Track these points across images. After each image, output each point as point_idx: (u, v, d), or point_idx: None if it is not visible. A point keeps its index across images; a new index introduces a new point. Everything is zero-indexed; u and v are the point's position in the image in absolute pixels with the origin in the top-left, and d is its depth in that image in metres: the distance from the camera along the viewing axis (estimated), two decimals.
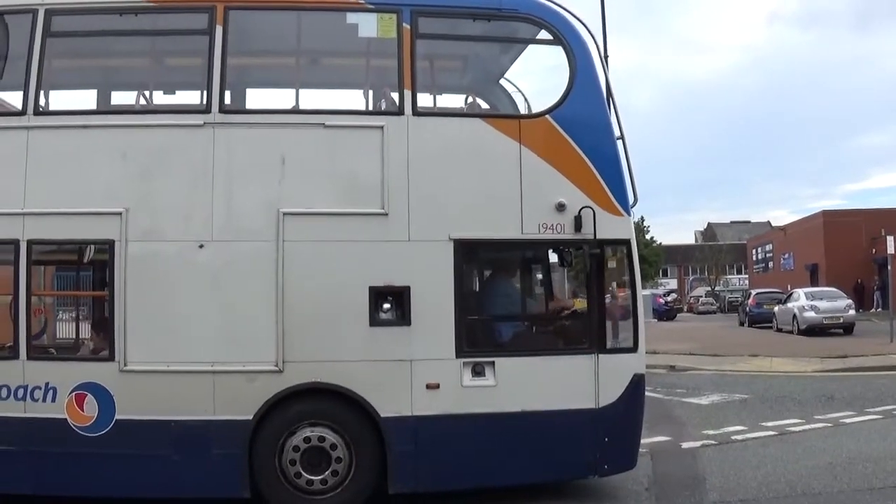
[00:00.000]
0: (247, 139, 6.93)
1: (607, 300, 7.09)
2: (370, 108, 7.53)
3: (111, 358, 6.73)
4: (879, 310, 37.23)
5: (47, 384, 6.69)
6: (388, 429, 6.75)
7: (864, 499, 7.20)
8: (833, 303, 27.65)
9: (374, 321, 6.84)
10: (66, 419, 6.68)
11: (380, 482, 6.84)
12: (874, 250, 38.51)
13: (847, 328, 27.04)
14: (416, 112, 6.98)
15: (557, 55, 7.17)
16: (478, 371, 6.87)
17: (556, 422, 6.87)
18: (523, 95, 7.91)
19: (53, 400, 6.69)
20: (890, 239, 22.41)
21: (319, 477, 6.77)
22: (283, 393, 6.75)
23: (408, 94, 6.96)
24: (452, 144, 7.03)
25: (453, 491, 6.94)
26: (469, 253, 7.03)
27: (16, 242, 6.73)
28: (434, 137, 6.99)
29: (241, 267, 6.83)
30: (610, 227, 7.00)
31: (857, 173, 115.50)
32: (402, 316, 6.85)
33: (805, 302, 27.89)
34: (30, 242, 6.75)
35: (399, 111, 6.97)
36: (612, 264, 7.15)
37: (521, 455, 6.87)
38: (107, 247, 6.80)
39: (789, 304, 29.17)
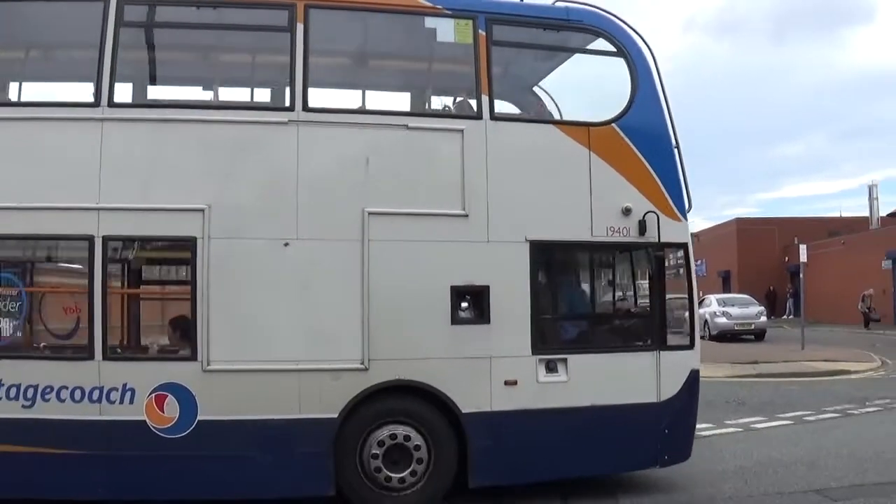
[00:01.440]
0: (331, 138, 6.94)
1: (668, 300, 7.54)
2: (445, 111, 7.65)
3: (193, 358, 6.58)
4: (791, 317, 38.32)
5: (125, 385, 6.47)
6: (470, 424, 6.93)
7: (774, 503, 7.30)
8: (745, 309, 28.16)
9: (455, 320, 7.01)
10: (145, 421, 6.48)
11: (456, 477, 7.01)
12: (787, 258, 39.05)
13: (758, 335, 27.63)
14: (494, 117, 7.19)
15: (618, 66, 7.56)
16: (551, 367, 7.15)
17: (622, 415, 7.25)
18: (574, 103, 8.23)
19: (132, 402, 6.48)
20: (803, 247, 23.04)
21: (400, 475, 6.86)
22: (369, 390, 6.81)
23: (485, 99, 7.15)
24: (527, 149, 7.28)
25: (529, 484, 7.20)
26: (543, 254, 7.30)
27: (90, 238, 6.47)
28: (510, 142, 7.22)
29: (327, 266, 6.83)
30: (670, 231, 7.45)
31: (772, 182, 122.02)
32: (482, 315, 7.05)
33: (717, 308, 28.22)
34: (105, 238, 6.50)
35: (478, 115, 7.16)
36: (670, 266, 7.60)
37: (592, 447, 7.20)
38: (189, 244, 6.64)
39: (701, 310, 29.74)
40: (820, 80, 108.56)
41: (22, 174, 6.49)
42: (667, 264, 7.54)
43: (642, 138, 7.48)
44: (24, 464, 6.31)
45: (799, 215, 51.07)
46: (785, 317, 39.87)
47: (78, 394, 6.41)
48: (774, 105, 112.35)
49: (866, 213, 40.77)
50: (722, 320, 27.54)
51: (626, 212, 7.35)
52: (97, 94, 6.59)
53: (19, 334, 6.69)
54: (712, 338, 26.92)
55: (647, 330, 7.50)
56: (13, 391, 6.35)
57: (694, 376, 7.52)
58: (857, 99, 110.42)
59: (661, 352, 7.41)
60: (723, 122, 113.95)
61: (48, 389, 6.38)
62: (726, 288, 42.99)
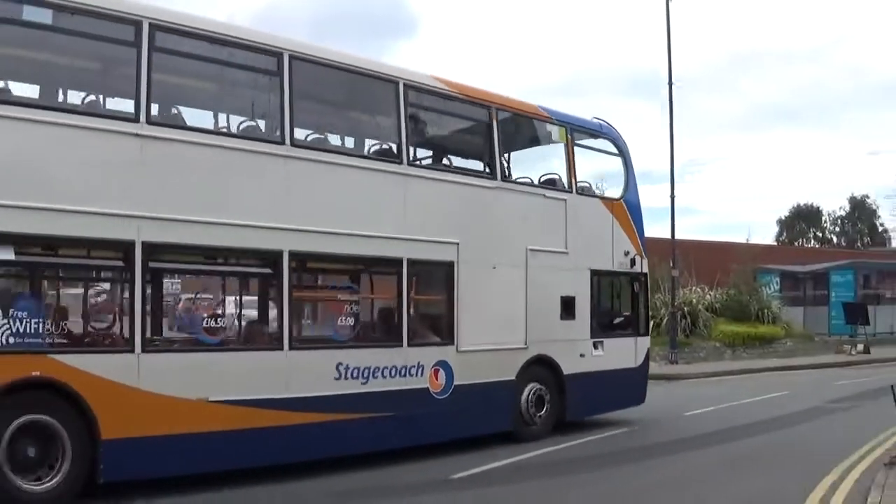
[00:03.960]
0: (515, 202, 10.70)
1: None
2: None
3: (452, 343, 9.80)
4: None
5: (419, 363, 9.45)
6: (568, 381, 11.25)
7: None
8: None
9: (562, 317, 11.28)
10: (427, 388, 9.53)
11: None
12: None
13: None
14: (577, 192, 11.63)
15: (617, 161, 12.57)
16: (597, 346, 11.83)
17: (626, 374, 12.24)
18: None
19: (421, 374, 9.48)
20: None
21: (539, 413, 10.89)
22: (528, 362, 10.73)
23: (573, 180, 11.56)
24: (587, 213, 11.81)
25: (586, 420, 11.77)
26: (594, 277, 11.91)
27: (400, 261, 9.29)
28: (582, 207, 11.70)
29: (510, 282, 10.55)
30: (642, 266, 12.71)
31: None
32: (572, 314, 11.43)
33: None
34: (409, 261, 9.37)
35: (569, 190, 11.52)
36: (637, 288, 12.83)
37: (615, 394, 12.05)
38: (449, 266, 9.81)
39: None
40: None
41: (339, 215, 8.88)
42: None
43: (631, 208, 12.59)
44: (352, 428, 8.79)
45: None
46: None
47: (393, 370, 9.20)
48: None
49: None
50: None
51: (626, 254, 12.39)
52: (400, 157, 9.40)
53: (358, 331, 9.10)
54: None
55: (634, 324, 12.66)
56: (354, 372, 8.87)
57: (648, 351, 12.90)
58: None
59: (638, 338, 12.64)
60: None
61: (375, 370, 9.04)
62: None
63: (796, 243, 73.13)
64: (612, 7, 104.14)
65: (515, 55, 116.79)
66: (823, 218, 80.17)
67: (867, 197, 79.11)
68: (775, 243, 63.41)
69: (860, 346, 26.73)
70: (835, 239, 77.92)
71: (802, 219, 79.79)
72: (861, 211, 79.72)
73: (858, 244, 72.48)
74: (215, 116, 8.97)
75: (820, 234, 79.77)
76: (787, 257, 39.42)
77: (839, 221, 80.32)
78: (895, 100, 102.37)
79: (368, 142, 10.07)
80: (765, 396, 15.88)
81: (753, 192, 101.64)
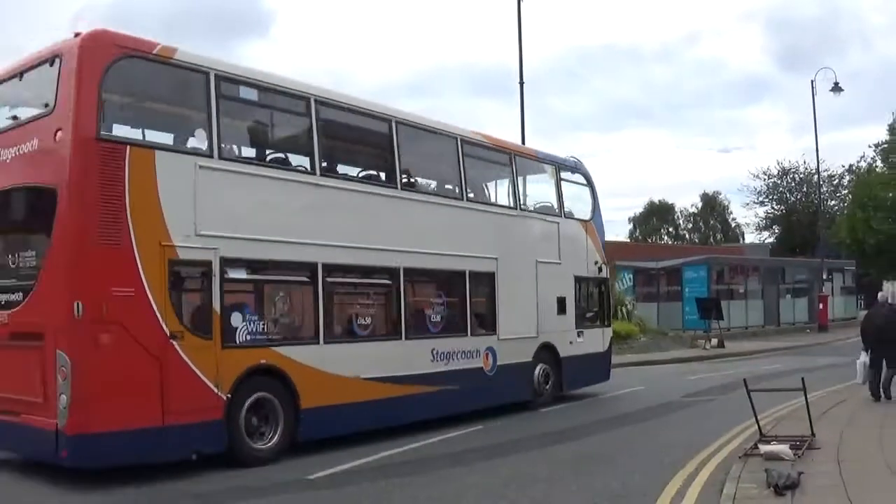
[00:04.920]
0: (532, 225, 14.09)
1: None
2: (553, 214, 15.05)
3: (495, 333, 13.03)
4: None
5: (476, 348, 12.61)
6: (564, 362, 14.72)
7: None
8: None
9: (558, 312, 14.74)
10: (482, 367, 12.71)
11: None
12: None
13: None
14: (565, 216, 15.13)
15: (585, 191, 16.20)
16: (579, 335, 15.38)
17: (597, 357, 15.90)
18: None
19: (478, 357, 12.65)
20: None
21: (546, 386, 14.28)
22: (539, 348, 14.11)
23: (561, 206, 15.05)
24: (571, 232, 15.35)
25: (576, 393, 15.24)
26: (577, 282, 15.43)
27: (463, 273, 12.44)
28: (568, 228, 15.21)
29: (526, 286, 13.88)
30: (605, 272, 16.40)
31: None
32: (564, 310, 14.93)
33: None
34: (469, 273, 12.53)
35: (560, 215, 15.01)
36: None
37: (590, 373, 15.66)
38: (491, 276, 13.03)
39: None
40: None
41: (432, 240, 11.92)
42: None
43: (597, 227, 16.26)
44: (437, 398, 11.83)
45: None
46: None
47: (465, 354, 12.32)
48: None
49: None
50: None
51: (595, 263, 16.05)
52: (462, 195, 12.54)
53: (442, 325, 12.11)
54: None
55: (601, 317, 16.31)
56: (441, 356, 11.93)
57: (611, 339, 16.62)
58: None
59: (604, 328, 16.31)
60: None
61: (452, 354, 12.13)
62: None
63: (650, 240, 76.83)
64: (464, 5, 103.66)
65: (367, 53, 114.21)
66: (676, 215, 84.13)
67: (719, 193, 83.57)
68: (628, 241, 66.18)
69: (714, 341, 27.13)
70: (688, 235, 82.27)
71: (656, 216, 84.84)
72: (713, 207, 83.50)
73: (711, 240, 76.21)
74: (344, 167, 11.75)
75: (673, 231, 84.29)
76: (640, 254, 40.10)
77: (692, 218, 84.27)
78: (746, 98, 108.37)
79: (432, 183, 13.11)
80: (620, 392, 16.07)
81: (607, 190, 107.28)
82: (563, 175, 15.46)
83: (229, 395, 8.94)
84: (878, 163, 59.72)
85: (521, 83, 23.36)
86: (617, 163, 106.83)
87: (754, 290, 36.85)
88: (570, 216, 15.47)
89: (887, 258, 54.83)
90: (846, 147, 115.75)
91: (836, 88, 35.98)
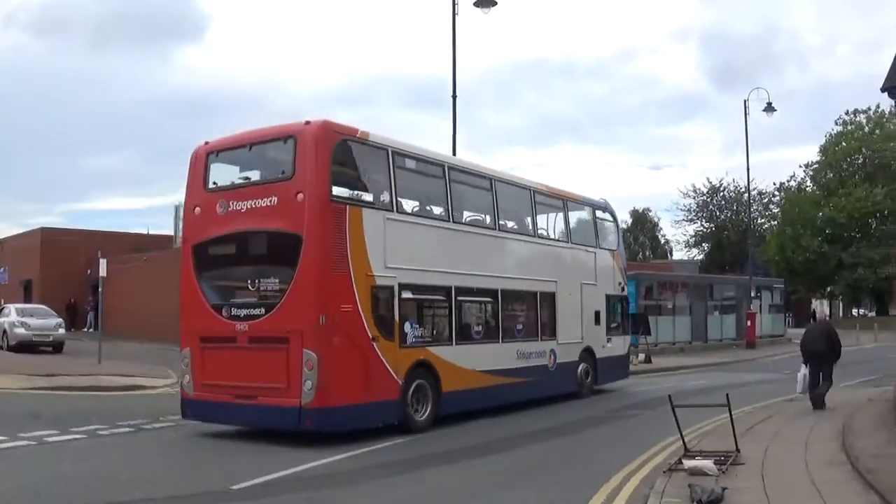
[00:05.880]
0: (576, 254, 17.97)
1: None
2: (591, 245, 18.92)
3: (555, 338, 16.87)
4: (92, 330, 37.28)
5: (543, 350, 16.46)
6: (599, 361, 18.61)
7: None
8: (44, 320, 28.50)
9: (595, 322, 18.64)
10: (546, 364, 16.52)
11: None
12: (90, 271, 36.41)
13: (57, 346, 27.93)
14: (600, 247, 19.05)
15: (612, 226, 20.17)
16: (609, 341, 19.28)
17: (620, 358, 19.89)
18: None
19: (544, 356, 16.45)
20: (103, 261, 23.23)
21: (587, 380, 18.14)
22: (583, 351, 17.98)
23: (597, 241, 18.96)
24: (603, 259, 19.25)
25: (605, 388, 19.13)
26: (608, 299, 19.34)
27: (534, 294, 16.25)
28: (601, 256, 19.13)
29: (574, 302, 17.72)
30: (625, 290, 20.37)
31: (81, 193, 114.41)
32: (598, 321, 18.83)
33: (16, 318, 28.18)
34: (540, 293, 16.34)
35: (596, 246, 18.92)
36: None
37: (617, 370, 19.62)
38: (553, 295, 16.85)
39: (1, 320, 28.87)
40: (142, 94, 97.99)
41: (519, 268, 15.69)
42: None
43: (620, 255, 20.25)
44: (519, 387, 15.52)
45: (106, 229, 51.84)
46: (86, 330, 39.54)
47: (537, 354, 16.14)
48: (94, 114, 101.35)
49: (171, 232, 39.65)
50: (21, 331, 27.68)
51: (619, 283, 20.01)
52: (534, 234, 16.36)
53: (522, 331, 15.88)
54: (10, 348, 27.45)
55: (623, 327, 20.25)
56: (522, 355, 15.70)
57: (630, 345, 20.62)
58: (175, 118, 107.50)
59: (625, 336, 20.30)
60: (34, 127, 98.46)
61: (529, 353, 15.91)
62: (27, 298, 41.54)
63: None
64: (400, 16, 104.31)
65: (303, 61, 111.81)
66: None
67: (649, 210, 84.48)
68: None
69: (641, 356, 26.87)
70: None
71: None
72: (643, 224, 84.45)
73: (640, 257, 76.28)
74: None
75: None
76: None
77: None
78: (679, 115, 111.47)
79: (511, 223, 16.87)
80: (543, 406, 15.67)
81: None
82: (598, 214, 19.39)
83: (403, 382, 12.57)
84: (809, 182, 63.75)
85: (454, 96, 22.85)
86: (548, 178, 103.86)
87: (682, 306, 36.70)
88: (602, 247, 19.41)
89: (816, 276, 59.18)
90: (777, 166, 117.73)
91: (769, 108, 36.63)
